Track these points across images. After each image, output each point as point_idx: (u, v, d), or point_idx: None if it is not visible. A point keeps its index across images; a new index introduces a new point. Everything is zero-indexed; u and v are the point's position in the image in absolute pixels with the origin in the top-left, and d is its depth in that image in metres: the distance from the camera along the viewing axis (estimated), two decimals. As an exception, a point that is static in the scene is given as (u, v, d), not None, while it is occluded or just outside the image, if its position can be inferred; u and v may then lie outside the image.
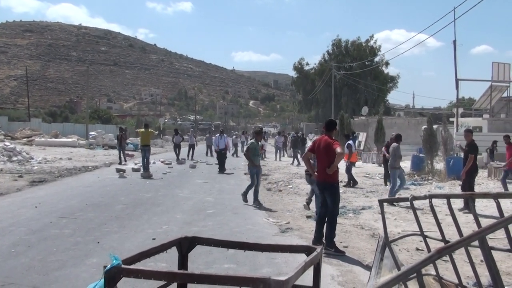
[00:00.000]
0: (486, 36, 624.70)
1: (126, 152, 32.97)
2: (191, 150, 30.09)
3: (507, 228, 2.36)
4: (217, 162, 27.81)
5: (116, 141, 28.97)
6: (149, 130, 20.15)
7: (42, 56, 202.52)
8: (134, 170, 20.27)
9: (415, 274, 2.15)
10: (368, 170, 22.80)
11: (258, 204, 12.00)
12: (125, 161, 25.56)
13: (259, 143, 12.90)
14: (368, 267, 6.32)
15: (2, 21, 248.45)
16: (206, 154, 32.89)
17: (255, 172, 12.40)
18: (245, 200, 12.35)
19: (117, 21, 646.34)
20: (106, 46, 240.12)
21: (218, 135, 23.89)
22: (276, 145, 32.08)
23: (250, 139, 14.64)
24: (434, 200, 3.43)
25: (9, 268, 6.23)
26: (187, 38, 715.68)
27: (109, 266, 2.75)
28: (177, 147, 28.43)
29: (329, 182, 7.77)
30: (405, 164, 24.95)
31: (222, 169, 21.51)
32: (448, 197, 3.21)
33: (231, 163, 24.67)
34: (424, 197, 3.25)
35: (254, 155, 12.45)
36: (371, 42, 66.64)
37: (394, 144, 13.16)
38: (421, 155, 21.20)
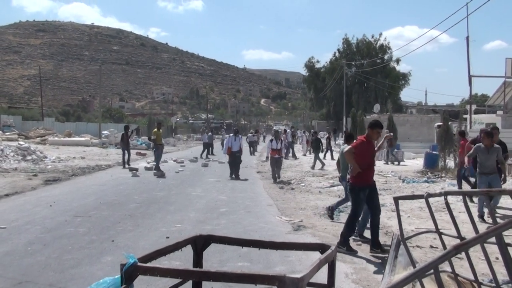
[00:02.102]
0: (500, 32, 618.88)
1: (138, 151, 33.26)
2: (205, 149, 30.57)
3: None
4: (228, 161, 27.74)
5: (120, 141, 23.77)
6: (154, 130, 20.87)
7: (55, 56, 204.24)
8: (147, 169, 20.38)
9: (431, 271, 2.15)
10: (380, 168, 22.68)
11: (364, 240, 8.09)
12: (128, 165, 21.77)
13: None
14: (382, 265, 6.31)
15: (16, 21, 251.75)
16: (201, 154, 30.16)
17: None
18: (332, 216, 10.05)
19: (128, 20, 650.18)
20: (118, 45, 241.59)
21: (232, 135, 19.33)
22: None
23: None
24: (448, 198, 3.41)
25: (25, 266, 6.31)
26: (199, 36, 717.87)
27: (126, 264, 2.78)
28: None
29: (350, 184, 7.72)
30: (418, 162, 24.87)
31: (236, 175, 18.12)
32: (464, 194, 3.20)
33: (243, 161, 24.57)
34: (440, 194, 3.24)
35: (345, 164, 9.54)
36: (381, 40, 66.30)
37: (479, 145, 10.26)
38: (434, 152, 21.08)
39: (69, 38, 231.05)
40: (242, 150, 19.24)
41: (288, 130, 34.68)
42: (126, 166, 21.50)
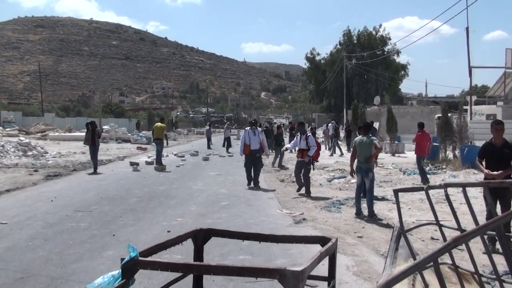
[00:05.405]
0: (501, 22, 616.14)
1: (139, 145, 33.20)
2: (225, 142, 30.79)
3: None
4: (229, 153, 27.85)
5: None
6: (162, 124, 20.09)
7: (54, 51, 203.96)
8: (147, 163, 20.37)
9: (431, 263, 2.15)
10: (381, 160, 22.67)
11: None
12: (95, 170, 17.50)
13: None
14: (383, 257, 6.32)
15: (14, 17, 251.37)
16: (208, 147, 32.90)
17: None
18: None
19: (127, 14, 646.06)
20: (117, 40, 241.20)
21: (249, 128, 14.38)
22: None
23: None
24: (449, 189, 3.42)
25: (27, 261, 6.32)
26: (198, 30, 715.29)
27: (126, 258, 2.78)
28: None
29: None
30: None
31: (255, 182, 13.95)
32: (463, 186, 3.20)
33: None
34: (440, 186, 3.23)
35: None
36: (381, 31, 66.20)
37: None
38: (434, 144, 21.06)
39: (68, 34, 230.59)
40: (264, 149, 14.65)
41: (330, 124, 31.01)
42: (94, 171, 17.43)
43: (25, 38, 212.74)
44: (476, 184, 4.02)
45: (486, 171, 7.06)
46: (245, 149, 14.07)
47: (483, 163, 7.27)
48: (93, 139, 17.82)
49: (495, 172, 6.80)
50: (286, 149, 14.00)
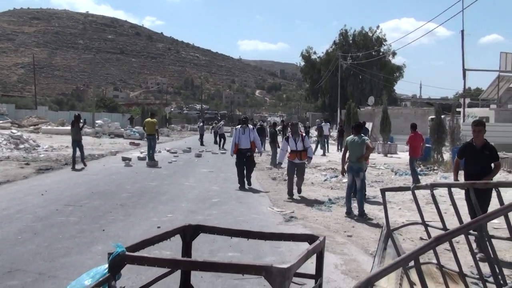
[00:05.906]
0: (496, 25, 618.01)
1: (131, 141, 33.13)
2: (221, 139, 31.05)
3: (507, 216, 2.36)
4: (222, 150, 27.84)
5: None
6: (153, 120, 20.00)
7: (49, 44, 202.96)
8: (140, 159, 20.32)
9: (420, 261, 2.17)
10: (373, 160, 22.73)
11: None
12: (84, 164, 17.44)
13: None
14: (371, 256, 6.35)
15: (10, 8, 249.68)
16: (201, 143, 32.81)
17: None
18: None
19: (123, 8, 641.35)
20: (113, 34, 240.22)
21: (239, 127, 13.97)
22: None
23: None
24: (440, 191, 3.45)
25: (15, 254, 6.30)
26: (194, 26, 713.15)
27: (113, 253, 2.78)
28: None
29: None
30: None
31: (248, 182, 13.57)
32: (449, 186, 3.23)
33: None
34: (426, 187, 3.26)
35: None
36: (377, 32, 66.42)
37: None
38: (427, 145, 21.14)
39: (64, 26, 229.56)
40: (257, 147, 14.02)
41: (323, 123, 29.22)
42: (78, 166, 16.99)
43: (20, 30, 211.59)
44: (462, 185, 4.06)
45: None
46: (234, 148, 13.62)
47: (462, 164, 7.42)
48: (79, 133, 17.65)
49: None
50: (281, 163, 12.98)
